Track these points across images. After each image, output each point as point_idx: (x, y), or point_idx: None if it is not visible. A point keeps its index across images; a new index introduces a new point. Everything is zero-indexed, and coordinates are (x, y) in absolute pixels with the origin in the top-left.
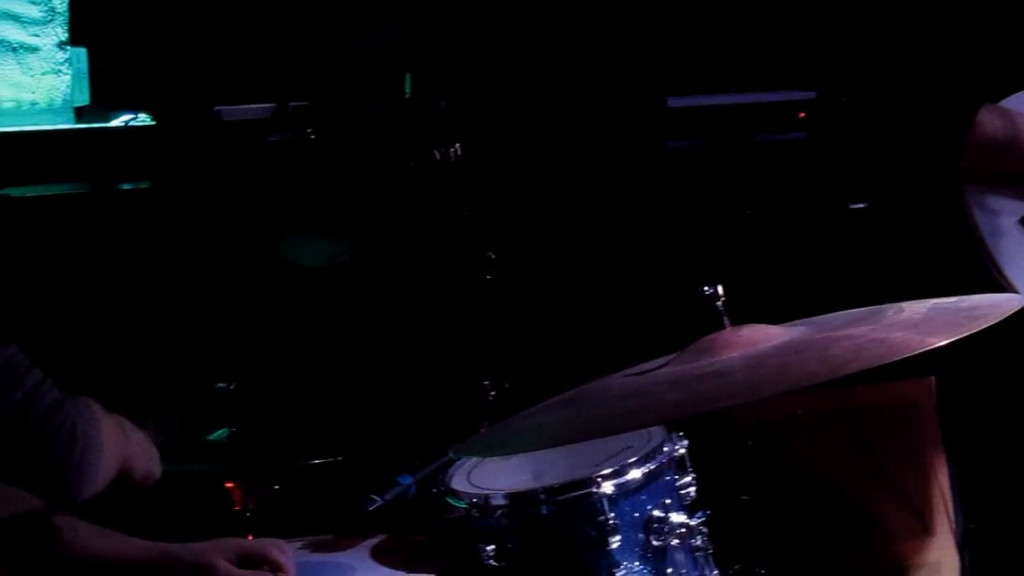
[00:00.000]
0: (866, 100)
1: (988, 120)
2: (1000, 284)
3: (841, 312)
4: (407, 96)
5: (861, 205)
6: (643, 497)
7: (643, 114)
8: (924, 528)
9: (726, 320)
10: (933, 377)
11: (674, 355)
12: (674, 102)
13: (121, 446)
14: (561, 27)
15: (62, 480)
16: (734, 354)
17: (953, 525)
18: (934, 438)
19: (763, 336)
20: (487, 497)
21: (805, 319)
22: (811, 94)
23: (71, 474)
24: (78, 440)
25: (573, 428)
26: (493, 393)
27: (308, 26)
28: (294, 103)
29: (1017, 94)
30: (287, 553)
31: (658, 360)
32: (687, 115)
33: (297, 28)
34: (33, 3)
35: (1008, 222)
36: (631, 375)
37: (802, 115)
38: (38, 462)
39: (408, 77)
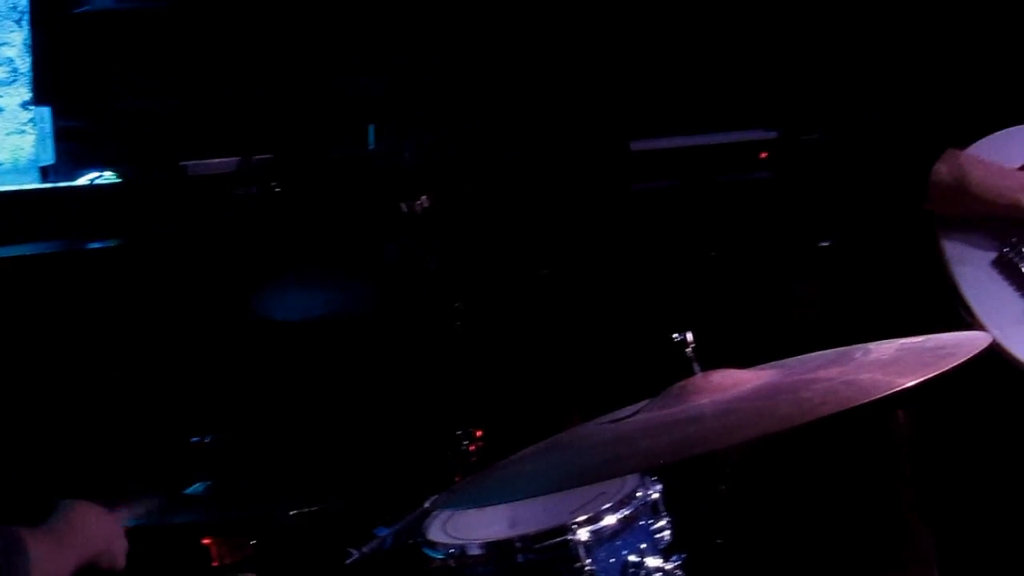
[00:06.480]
0: (829, 138)
1: (938, 168)
2: (966, 323)
3: (810, 354)
4: (371, 147)
5: (827, 243)
6: (619, 543)
7: (607, 158)
8: (899, 563)
9: (696, 367)
10: (901, 411)
11: (646, 402)
12: (637, 145)
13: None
14: (523, 76)
15: None
16: (705, 400)
17: (927, 557)
18: (904, 471)
19: (733, 381)
20: (464, 547)
21: (774, 362)
22: (773, 133)
23: None
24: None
25: (551, 478)
26: (466, 443)
27: (272, 80)
28: (259, 156)
29: (985, 139)
30: None
31: (631, 407)
32: (650, 158)
33: (261, 82)
34: None
35: (980, 262)
36: (604, 423)
37: (764, 155)
38: None
39: (372, 129)
